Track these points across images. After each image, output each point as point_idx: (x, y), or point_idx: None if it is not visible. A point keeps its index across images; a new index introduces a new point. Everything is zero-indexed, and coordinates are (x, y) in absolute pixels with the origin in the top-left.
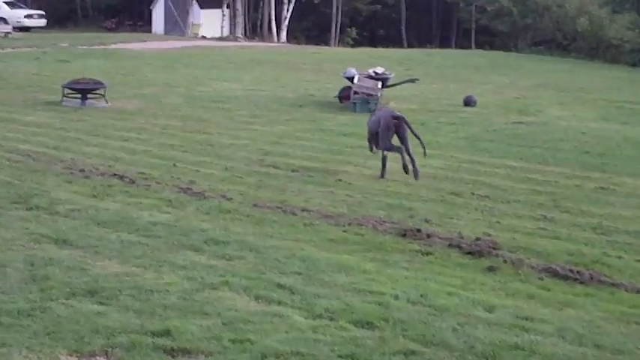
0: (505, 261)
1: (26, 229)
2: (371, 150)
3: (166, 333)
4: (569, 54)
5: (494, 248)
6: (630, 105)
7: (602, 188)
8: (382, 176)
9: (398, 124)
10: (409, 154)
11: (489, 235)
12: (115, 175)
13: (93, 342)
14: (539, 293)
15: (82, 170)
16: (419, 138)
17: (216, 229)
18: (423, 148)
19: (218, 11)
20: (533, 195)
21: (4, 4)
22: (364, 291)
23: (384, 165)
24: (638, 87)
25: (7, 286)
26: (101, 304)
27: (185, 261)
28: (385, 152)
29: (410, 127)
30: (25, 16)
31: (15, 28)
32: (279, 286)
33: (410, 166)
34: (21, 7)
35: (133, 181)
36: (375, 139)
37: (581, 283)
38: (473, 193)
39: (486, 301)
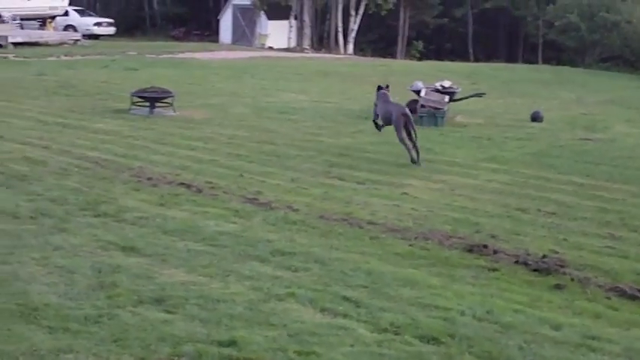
0: (572, 279)
1: (94, 236)
2: (378, 129)
3: (232, 343)
4: (637, 71)
5: (561, 266)
6: None
7: None
8: (413, 162)
9: (406, 120)
10: (415, 146)
11: (556, 253)
12: (182, 183)
13: (159, 350)
14: (606, 312)
15: (149, 178)
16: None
17: (283, 240)
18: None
19: (285, 22)
20: (600, 212)
21: (73, 11)
22: (430, 306)
23: (408, 150)
24: None
25: (75, 292)
26: (168, 312)
27: (251, 271)
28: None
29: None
30: (95, 24)
31: (84, 36)
32: (345, 298)
33: (416, 159)
34: (90, 15)
35: (200, 190)
36: (384, 121)
37: None
38: (539, 210)
39: (553, 319)
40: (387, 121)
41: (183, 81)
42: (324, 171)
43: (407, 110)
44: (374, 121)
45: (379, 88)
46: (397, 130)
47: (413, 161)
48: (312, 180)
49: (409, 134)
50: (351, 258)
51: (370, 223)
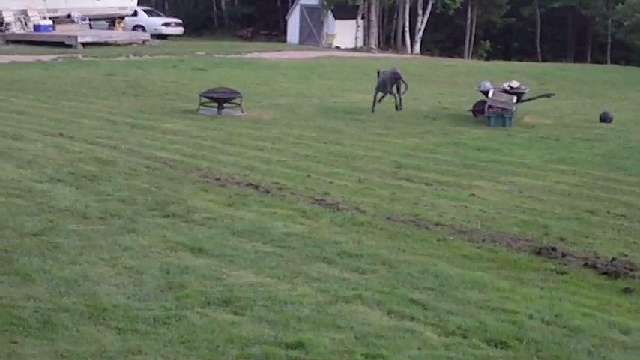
0: None
1: (163, 237)
2: (378, 100)
3: (299, 345)
4: None
5: (630, 269)
6: None
7: None
8: (374, 107)
9: (396, 79)
10: (399, 97)
11: (625, 256)
12: (250, 184)
13: (227, 352)
14: None
15: (217, 179)
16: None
17: (350, 241)
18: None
19: (352, 22)
20: None
21: (142, 11)
22: (498, 309)
23: (374, 102)
24: None
25: (144, 293)
26: (235, 313)
27: (319, 273)
28: (380, 94)
29: (403, 82)
30: (163, 24)
31: (153, 36)
32: (412, 301)
33: (399, 105)
34: (159, 15)
35: (267, 191)
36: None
37: None
38: (609, 212)
39: (622, 323)
40: (384, 90)
41: (251, 81)
42: (391, 172)
43: (398, 72)
44: (374, 96)
45: (378, 73)
46: (384, 85)
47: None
48: (380, 181)
49: (398, 88)
50: (419, 260)
51: (438, 224)
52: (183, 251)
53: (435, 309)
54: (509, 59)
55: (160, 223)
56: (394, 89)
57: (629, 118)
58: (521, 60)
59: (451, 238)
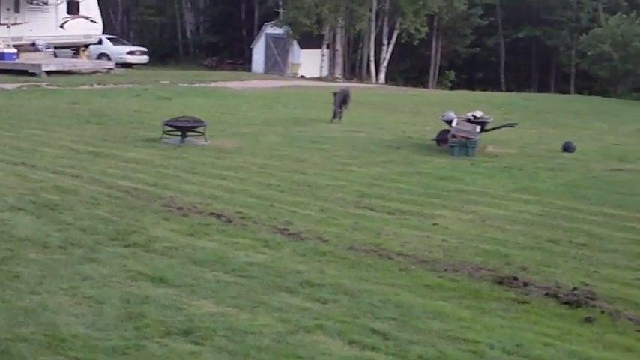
0: (602, 312)
1: (123, 266)
2: (334, 117)
3: None
4: None
5: (591, 298)
6: None
7: None
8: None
9: (345, 97)
10: (342, 112)
11: (587, 285)
12: (212, 213)
13: None
14: (637, 346)
15: (180, 208)
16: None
17: (312, 271)
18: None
19: (318, 51)
20: (632, 244)
21: (107, 40)
22: (459, 339)
23: (335, 114)
24: None
25: (103, 322)
26: (195, 343)
27: (280, 303)
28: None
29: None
30: (128, 53)
31: (117, 65)
32: (374, 331)
33: (338, 117)
34: (124, 44)
35: (230, 221)
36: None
37: None
38: (570, 241)
39: (583, 352)
40: (339, 104)
41: (215, 110)
42: (354, 201)
43: (347, 91)
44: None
45: (334, 94)
46: (337, 102)
47: (333, 118)
48: (343, 210)
49: (345, 103)
50: (381, 290)
51: (400, 254)
52: (144, 281)
53: (396, 339)
54: (473, 89)
55: (121, 252)
56: (340, 106)
57: (591, 148)
58: (485, 90)
59: (413, 267)
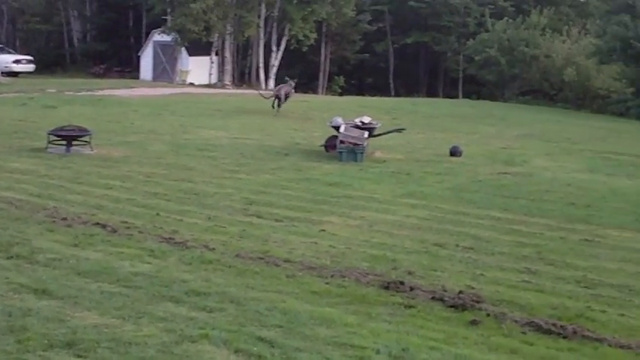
0: (488, 314)
1: (6, 279)
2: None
3: None
4: (556, 104)
5: (477, 301)
6: (616, 156)
7: (587, 240)
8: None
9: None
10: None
11: (473, 288)
12: (97, 223)
13: None
14: (522, 348)
15: (64, 219)
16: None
17: (198, 280)
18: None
19: (207, 58)
20: (517, 247)
21: None
22: (345, 345)
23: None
24: (625, 138)
25: None
26: (79, 356)
27: (165, 313)
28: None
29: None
30: (14, 62)
31: (3, 74)
32: (260, 339)
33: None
34: (9, 53)
35: (115, 230)
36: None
37: (565, 337)
38: (457, 245)
39: (469, 355)
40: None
41: (102, 118)
42: (242, 209)
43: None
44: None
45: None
46: (281, 97)
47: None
48: (230, 218)
49: (286, 98)
50: (267, 297)
51: (287, 261)
52: (27, 293)
53: (282, 346)
54: (363, 94)
55: (3, 264)
56: (283, 96)
57: (479, 151)
58: (374, 95)
59: (300, 274)
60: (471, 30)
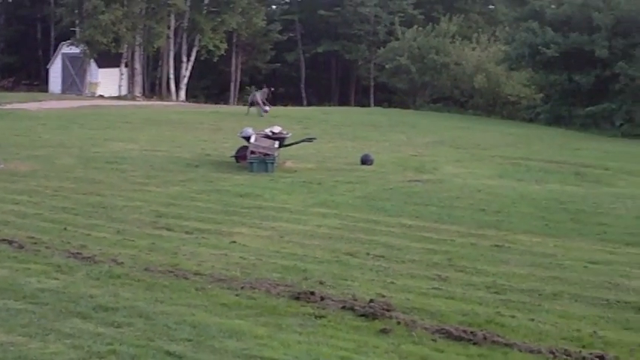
0: (399, 322)
1: None
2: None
3: None
4: (467, 111)
5: (387, 310)
6: (526, 162)
7: (497, 246)
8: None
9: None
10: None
11: (383, 296)
12: (3, 240)
13: None
14: (433, 355)
15: None
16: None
17: (106, 295)
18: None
19: (116, 70)
20: (428, 254)
21: None
22: (255, 357)
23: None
24: (534, 143)
25: None
26: None
27: (72, 329)
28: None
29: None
30: None
31: None
32: (168, 353)
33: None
34: None
35: (22, 246)
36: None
37: (475, 343)
38: (368, 253)
39: None
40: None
41: (9, 132)
42: (151, 221)
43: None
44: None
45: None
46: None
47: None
48: (139, 231)
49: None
50: (176, 311)
51: (197, 273)
52: None
53: None
54: (274, 104)
55: None
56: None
57: (389, 159)
58: (286, 105)
59: (210, 286)
60: (382, 38)
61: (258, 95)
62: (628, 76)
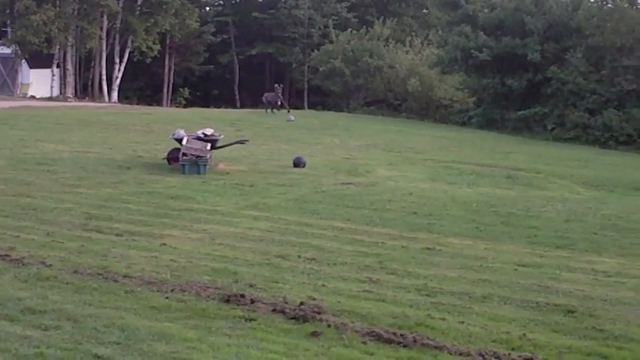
0: (329, 325)
1: None
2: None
3: None
4: (400, 114)
5: (318, 312)
6: (458, 165)
7: (428, 249)
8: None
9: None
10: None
11: (314, 299)
12: None
13: None
14: (363, 358)
15: None
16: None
17: (34, 297)
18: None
19: (48, 71)
20: (359, 257)
21: None
22: None
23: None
24: (466, 147)
25: None
26: None
27: None
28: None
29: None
30: None
31: None
32: (96, 357)
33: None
34: None
35: None
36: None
37: (405, 346)
38: (299, 256)
39: None
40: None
41: None
42: (81, 224)
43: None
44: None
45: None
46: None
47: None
48: (69, 233)
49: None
50: (105, 314)
51: (126, 276)
52: None
53: None
54: (208, 106)
55: None
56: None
57: (322, 162)
58: (220, 107)
59: (139, 289)
60: (316, 41)
61: (274, 95)
62: (559, 80)
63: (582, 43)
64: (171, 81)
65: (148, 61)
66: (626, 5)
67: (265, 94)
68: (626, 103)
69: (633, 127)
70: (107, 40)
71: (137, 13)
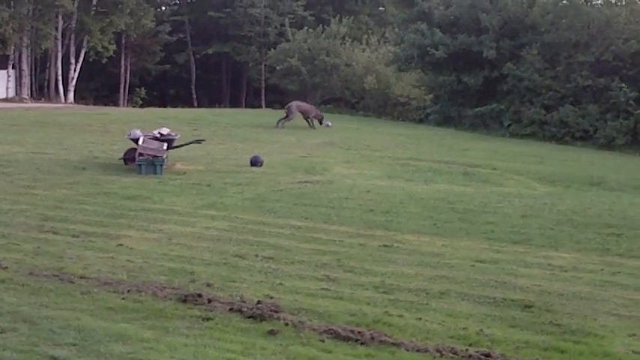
0: (287, 324)
1: None
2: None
3: None
4: (358, 112)
5: (275, 311)
6: (415, 162)
7: (385, 246)
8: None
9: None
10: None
11: (272, 298)
12: None
13: None
14: (320, 356)
15: None
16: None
17: None
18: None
19: (3, 72)
20: (317, 255)
21: None
22: None
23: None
24: (424, 144)
25: None
26: None
27: None
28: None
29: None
30: None
31: None
32: (53, 358)
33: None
34: None
35: None
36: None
37: (362, 343)
38: (257, 255)
39: None
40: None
41: None
42: (37, 225)
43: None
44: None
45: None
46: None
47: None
48: (25, 235)
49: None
50: (61, 315)
51: (82, 277)
52: None
53: None
54: (165, 106)
55: None
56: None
57: (279, 161)
58: (176, 106)
59: (96, 290)
60: (272, 40)
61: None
62: (515, 77)
63: (538, 40)
64: (128, 81)
65: (104, 61)
66: (581, 2)
67: (296, 103)
68: (581, 99)
69: (589, 122)
70: (62, 41)
71: (92, 13)
